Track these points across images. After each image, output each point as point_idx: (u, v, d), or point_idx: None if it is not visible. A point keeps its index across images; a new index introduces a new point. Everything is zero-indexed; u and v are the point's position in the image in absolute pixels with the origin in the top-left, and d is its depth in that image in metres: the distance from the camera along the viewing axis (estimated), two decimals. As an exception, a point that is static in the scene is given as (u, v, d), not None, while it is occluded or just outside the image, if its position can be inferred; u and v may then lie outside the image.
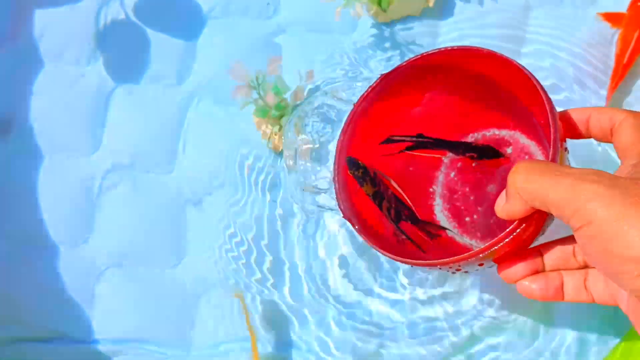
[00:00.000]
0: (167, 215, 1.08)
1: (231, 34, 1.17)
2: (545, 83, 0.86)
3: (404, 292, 0.99)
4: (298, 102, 1.05)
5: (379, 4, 1.14)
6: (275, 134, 1.09)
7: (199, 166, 1.10)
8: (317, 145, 1.04)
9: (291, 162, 1.06)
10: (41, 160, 1.08)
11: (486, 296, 0.97)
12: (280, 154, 1.12)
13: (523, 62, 0.81)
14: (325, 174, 0.99)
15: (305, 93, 1.07)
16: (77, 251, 1.06)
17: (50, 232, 1.06)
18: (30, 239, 1.05)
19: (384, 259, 1.01)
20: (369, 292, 1.00)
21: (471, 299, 0.97)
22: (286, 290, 1.02)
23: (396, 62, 1.16)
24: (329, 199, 0.97)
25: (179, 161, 1.10)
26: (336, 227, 1.04)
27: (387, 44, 1.18)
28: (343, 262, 1.03)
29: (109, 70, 1.13)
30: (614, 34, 1.10)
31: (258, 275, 1.04)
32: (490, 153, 0.92)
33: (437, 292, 0.99)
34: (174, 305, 1.06)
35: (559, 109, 0.76)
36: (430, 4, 1.18)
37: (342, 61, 1.16)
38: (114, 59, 1.14)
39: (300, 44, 1.17)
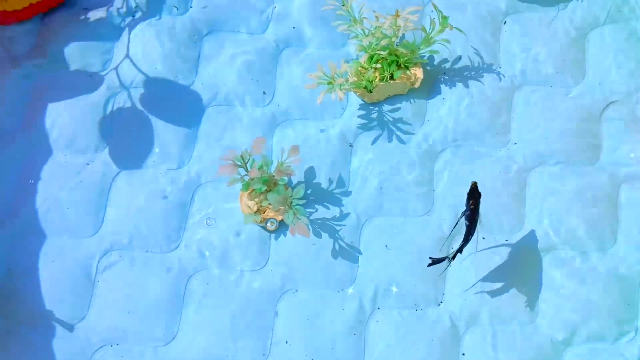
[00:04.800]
0: (167, 293, 1.11)
1: (233, 120, 1.24)
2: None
3: None
4: (283, 176, 1.10)
5: (365, 86, 1.20)
6: (263, 208, 1.13)
7: (201, 245, 1.14)
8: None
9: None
10: (44, 241, 1.13)
11: None
12: (262, 226, 1.15)
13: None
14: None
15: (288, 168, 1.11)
16: (73, 330, 1.08)
17: (48, 312, 1.09)
18: (29, 318, 1.08)
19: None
20: None
21: None
22: None
23: (384, 140, 1.21)
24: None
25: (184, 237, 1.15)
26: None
27: (375, 123, 1.23)
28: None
29: (114, 157, 1.20)
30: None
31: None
32: None
33: None
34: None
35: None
36: (416, 85, 1.23)
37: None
38: (119, 146, 1.22)
39: (293, 129, 1.23)
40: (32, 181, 1.17)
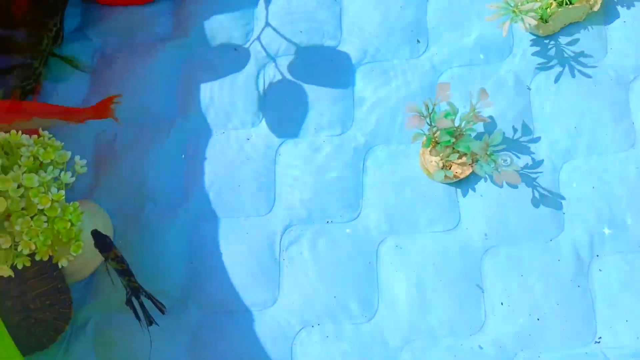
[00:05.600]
0: (358, 263, 1.03)
1: (384, 76, 1.15)
2: None
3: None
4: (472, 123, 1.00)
5: (541, 16, 1.09)
6: (449, 163, 1.03)
7: (383, 209, 1.06)
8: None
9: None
10: (220, 224, 1.07)
11: None
12: (449, 183, 1.06)
13: None
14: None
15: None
16: (270, 313, 1.01)
17: (240, 297, 1.03)
18: (222, 306, 1.02)
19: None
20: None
21: None
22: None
23: (567, 77, 1.10)
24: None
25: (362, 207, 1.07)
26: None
27: (553, 60, 1.11)
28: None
29: (273, 129, 1.13)
30: None
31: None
32: None
33: None
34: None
35: None
36: (595, 8, 1.11)
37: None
38: (276, 117, 1.14)
39: (459, 78, 1.14)
40: (184, 156, 1.11)
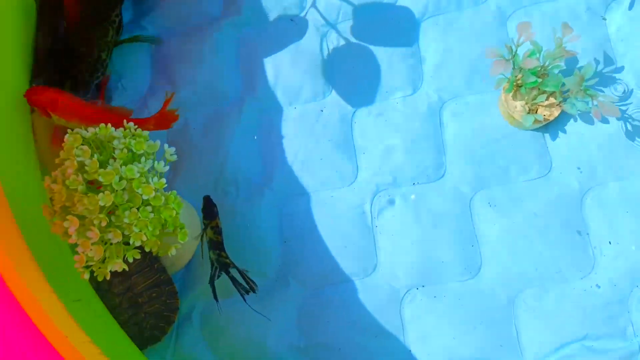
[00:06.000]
0: (452, 224, 1.01)
1: (449, 28, 1.12)
2: None
3: None
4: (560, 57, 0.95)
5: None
6: (534, 107, 0.99)
7: (469, 163, 1.03)
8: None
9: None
10: (308, 199, 1.05)
11: None
12: (540, 128, 1.03)
13: None
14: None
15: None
16: (373, 281, 0.99)
17: (340, 269, 1.01)
18: (324, 279, 1.01)
19: None
20: None
21: None
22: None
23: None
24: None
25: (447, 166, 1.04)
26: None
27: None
28: None
29: (344, 96, 1.11)
30: None
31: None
32: None
33: None
34: (490, 316, 0.96)
35: None
36: None
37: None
38: (345, 84, 1.11)
39: (529, 19, 1.08)
40: (256, 137, 1.09)
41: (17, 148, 0.96)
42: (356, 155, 1.07)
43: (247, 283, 0.95)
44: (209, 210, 0.94)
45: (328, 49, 1.14)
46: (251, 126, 1.10)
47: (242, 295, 0.92)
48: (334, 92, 1.11)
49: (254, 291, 0.94)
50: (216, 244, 0.93)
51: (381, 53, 1.12)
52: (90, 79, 1.02)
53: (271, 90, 1.12)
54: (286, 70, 1.13)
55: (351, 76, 1.12)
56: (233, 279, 0.93)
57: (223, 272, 0.94)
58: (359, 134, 1.08)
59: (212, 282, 0.94)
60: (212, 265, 0.94)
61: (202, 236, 0.94)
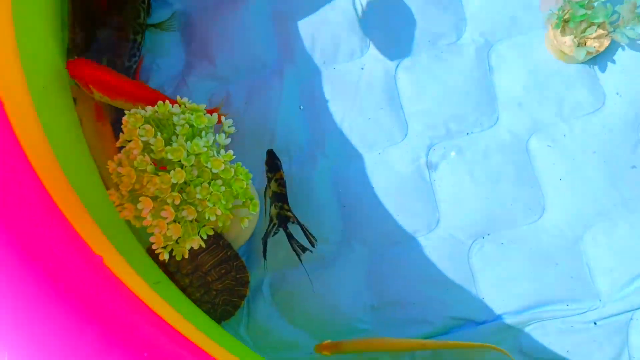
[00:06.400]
0: (510, 169, 1.00)
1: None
2: None
3: None
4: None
5: None
6: (583, 40, 0.97)
7: (521, 105, 1.02)
8: None
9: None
10: (361, 161, 1.03)
11: None
12: (589, 61, 1.00)
13: None
14: None
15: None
16: (435, 235, 0.99)
17: (403, 226, 1.00)
18: (385, 239, 1.00)
19: None
20: None
21: None
22: None
23: None
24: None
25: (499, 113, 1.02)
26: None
27: None
28: None
29: (384, 51, 1.08)
30: None
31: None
32: None
33: None
34: (555, 257, 0.95)
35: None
36: None
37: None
38: (383, 38, 1.08)
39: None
40: (302, 107, 1.07)
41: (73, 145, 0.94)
42: (403, 109, 1.05)
43: (307, 237, 0.92)
44: (273, 164, 0.93)
45: (362, 3, 1.11)
46: (294, 93, 1.08)
47: (297, 253, 0.90)
48: (372, 47, 1.09)
49: (313, 245, 0.92)
50: (279, 196, 0.92)
51: (418, 3, 1.09)
52: (130, 64, 0.99)
53: (308, 54, 1.09)
54: (320, 31, 1.10)
55: (389, 28, 1.09)
56: (290, 236, 0.91)
57: (280, 229, 0.91)
58: (404, 88, 1.06)
59: (265, 239, 0.91)
60: (271, 221, 0.92)
61: (265, 190, 0.93)
